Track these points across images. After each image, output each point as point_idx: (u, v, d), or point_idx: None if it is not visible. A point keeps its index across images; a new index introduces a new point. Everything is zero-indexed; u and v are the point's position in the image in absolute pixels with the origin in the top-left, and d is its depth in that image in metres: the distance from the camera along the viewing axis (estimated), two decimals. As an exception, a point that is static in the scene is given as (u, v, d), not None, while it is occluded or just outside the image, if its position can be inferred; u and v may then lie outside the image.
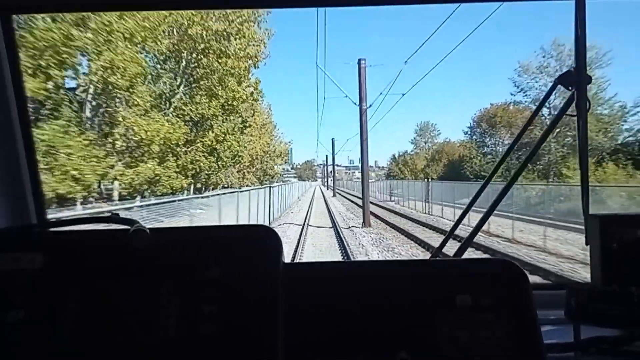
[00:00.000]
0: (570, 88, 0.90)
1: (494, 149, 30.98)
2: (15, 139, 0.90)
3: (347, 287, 0.69)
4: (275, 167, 38.62)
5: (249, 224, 0.86)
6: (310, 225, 14.72)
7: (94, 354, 0.63)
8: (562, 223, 10.81)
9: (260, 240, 0.70)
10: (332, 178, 53.70)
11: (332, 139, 33.79)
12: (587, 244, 0.83)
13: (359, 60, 14.87)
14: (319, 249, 10.27)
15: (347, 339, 0.65)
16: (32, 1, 0.92)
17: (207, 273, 0.66)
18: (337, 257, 9.10)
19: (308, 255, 9.40)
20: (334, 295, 0.68)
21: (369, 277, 0.71)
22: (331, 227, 14.20)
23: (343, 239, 10.93)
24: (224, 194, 13.10)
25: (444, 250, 1.12)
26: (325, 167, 70.93)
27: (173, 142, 13.67)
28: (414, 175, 42.31)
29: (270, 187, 16.36)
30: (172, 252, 0.68)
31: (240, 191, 12.84)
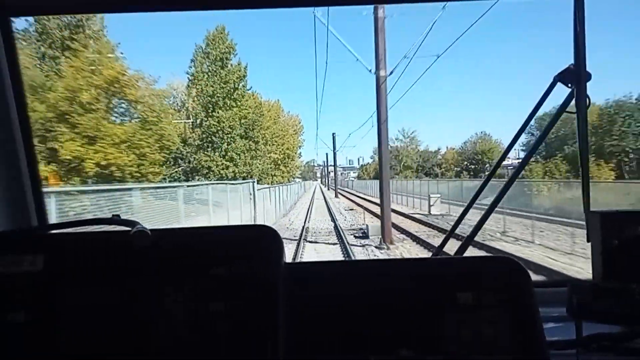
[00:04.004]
0: (569, 85, 0.88)
1: (394, 167, 68.41)
2: (15, 140, 0.89)
3: (348, 286, 0.69)
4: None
5: (250, 224, 0.84)
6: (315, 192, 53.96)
7: (96, 356, 0.62)
8: (412, 196, 23.68)
9: (261, 240, 0.69)
10: (331, 178, 65.98)
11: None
12: (588, 241, 0.83)
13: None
14: (317, 196, 49.43)
15: (349, 338, 0.65)
16: (31, 3, 0.92)
17: (208, 273, 0.66)
18: (322, 199, 47.13)
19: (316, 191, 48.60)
20: (336, 295, 0.68)
21: (371, 276, 0.71)
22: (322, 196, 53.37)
23: (325, 195, 50.02)
24: (280, 185, 23.10)
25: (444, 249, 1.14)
26: (324, 168, 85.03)
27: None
28: (369, 177, 65.94)
29: (303, 183, 56.03)
30: (173, 253, 0.68)
31: (292, 183, 47.87)
